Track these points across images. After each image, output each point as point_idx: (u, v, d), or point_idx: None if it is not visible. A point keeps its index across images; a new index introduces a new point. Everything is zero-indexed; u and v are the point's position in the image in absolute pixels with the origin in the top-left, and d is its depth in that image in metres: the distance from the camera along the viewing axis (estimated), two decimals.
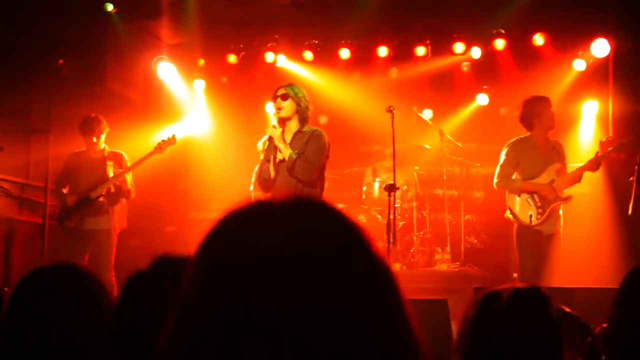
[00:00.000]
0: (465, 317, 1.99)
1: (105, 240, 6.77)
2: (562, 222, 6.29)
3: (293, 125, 5.59)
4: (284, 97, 5.50)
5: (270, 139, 5.69)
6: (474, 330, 1.93)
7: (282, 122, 5.55)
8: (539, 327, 1.92)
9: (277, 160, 5.50)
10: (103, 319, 1.86)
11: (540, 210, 6.12)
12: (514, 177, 6.32)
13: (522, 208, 6.22)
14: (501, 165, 6.34)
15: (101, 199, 6.75)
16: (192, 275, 0.88)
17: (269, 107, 5.81)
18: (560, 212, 6.29)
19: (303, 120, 5.60)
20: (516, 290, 1.95)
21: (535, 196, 6.16)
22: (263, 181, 5.67)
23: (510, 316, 1.90)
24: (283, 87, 5.61)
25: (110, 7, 8.24)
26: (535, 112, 6.24)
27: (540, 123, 6.23)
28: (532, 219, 6.13)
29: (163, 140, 6.99)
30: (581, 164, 6.47)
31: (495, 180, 6.38)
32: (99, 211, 6.76)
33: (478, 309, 1.95)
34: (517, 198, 6.26)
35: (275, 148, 5.54)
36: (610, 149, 6.24)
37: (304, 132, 5.57)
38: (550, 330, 1.92)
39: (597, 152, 6.23)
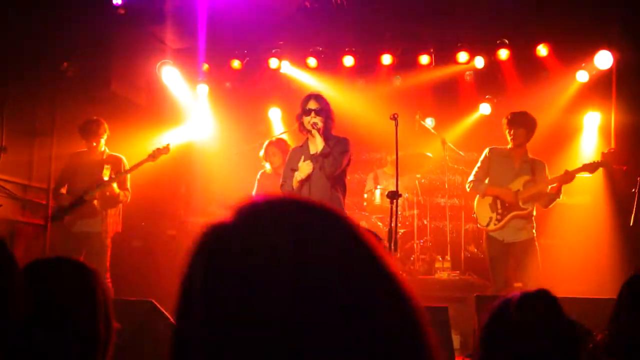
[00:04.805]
0: (479, 327, 1.99)
1: (97, 242, 6.75)
2: (531, 233, 6.39)
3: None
4: (319, 112, 5.70)
5: (294, 150, 6.04)
6: (487, 338, 1.92)
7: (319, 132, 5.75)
8: (551, 327, 1.90)
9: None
10: (97, 314, 1.87)
11: (499, 217, 6.36)
12: (485, 181, 6.59)
13: (483, 210, 6.51)
14: (476, 167, 6.68)
15: (94, 201, 6.74)
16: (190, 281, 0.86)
17: (296, 115, 5.90)
18: (527, 222, 6.39)
19: (329, 130, 5.83)
20: (524, 294, 1.94)
21: (499, 202, 6.39)
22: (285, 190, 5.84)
23: (520, 320, 1.89)
24: (314, 99, 5.78)
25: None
26: (504, 127, 6.53)
27: (509, 137, 6.47)
28: (490, 223, 6.39)
29: (157, 149, 6.97)
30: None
31: (468, 180, 6.73)
32: (90, 213, 6.74)
33: (489, 317, 1.95)
34: (481, 200, 6.55)
35: (299, 159, 5.76)
36: (583, 167, 6.36)
37: (330, 140, 5.80)
38: (563, 331, 1.91)
39: (565, 170, 6.30)
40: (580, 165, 6.42)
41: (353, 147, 5.92)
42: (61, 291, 1.85)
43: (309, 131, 5.73)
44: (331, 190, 5.68)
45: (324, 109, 5.74)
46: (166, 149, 6.96)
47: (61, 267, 1.91)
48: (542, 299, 1.93)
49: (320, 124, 5.68)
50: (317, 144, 5.70)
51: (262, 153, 7.68)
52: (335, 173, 5.70)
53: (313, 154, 5.72)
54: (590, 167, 6.32)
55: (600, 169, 7.33)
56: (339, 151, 5.72)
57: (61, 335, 1.79)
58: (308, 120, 5.69)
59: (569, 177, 6.20)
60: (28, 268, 1.87)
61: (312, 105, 5.72)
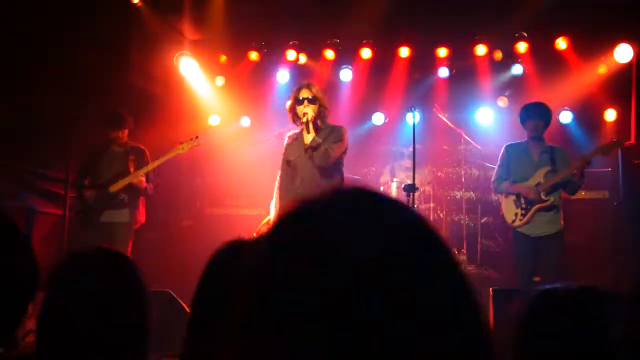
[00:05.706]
0: (518, 321, 1.90)
1: (122, 233, 6.78)
2: (558, 225, 6.32)
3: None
4: (311, 101, 5.58)
5: (289, 142, 5.85)
6: (531, 334, 1.84)
7: (310, 122, 5.63)
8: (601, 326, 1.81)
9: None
10: (147, 306, 1.87)
11: (523, 212, 6.31)
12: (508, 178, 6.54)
13: (508, 208, 6.46)
14: (497, 167, 6.64)
15: (121, 193, 6.78)
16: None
17: (288, 105, 5.80)
18: (555, 214, 6.32)
19: (322, 119, 5.69)
20: (578, 288, 1.84)
21: (522, 198, 6.35)
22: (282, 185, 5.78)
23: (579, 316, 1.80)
24: (306, 88, 5.66)
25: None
26: (520, 120, 6.49)
27: (526, 130, 6.45)
28: (516, 219, 6.35)
29: (186, 141, 7.00)
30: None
31: (492, 180, 6.70)
32: (119, 204, 6.79)
33: (532, 312, 1.87)
34: (505, 198, 6.52)
35: (294, 151, 5.68)
36: (597, 149, 6.32)
37: (324, 129, 5.67)
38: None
39: (580, 155, 6.27)
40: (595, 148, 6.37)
41: (348, 135, 5.75)
42: (115, 284, 1.82)
43: (302, 121, 5.61)
44: (325, 181, 5.50)
45: (317, 97, 5.60)
46: (196, 141, 6.97)
47: (113, 260, 1.88)
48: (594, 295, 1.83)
49: (311, 113, 5.54)
50: (308, 135, 5.59)
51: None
52: (326, 164, 5.53)
53: (304, 145, 5.60)
54: (605, 148, 6.27)
55: (619, 164, 7.29)
56: (332, 140, 5.56)
57: (119, 329, 1.78)
58: (300, 109, 5.57)
59: (584, 160, 6.14)
60: (75, 261, 1.86)
61: (304, 94, 5.59)
